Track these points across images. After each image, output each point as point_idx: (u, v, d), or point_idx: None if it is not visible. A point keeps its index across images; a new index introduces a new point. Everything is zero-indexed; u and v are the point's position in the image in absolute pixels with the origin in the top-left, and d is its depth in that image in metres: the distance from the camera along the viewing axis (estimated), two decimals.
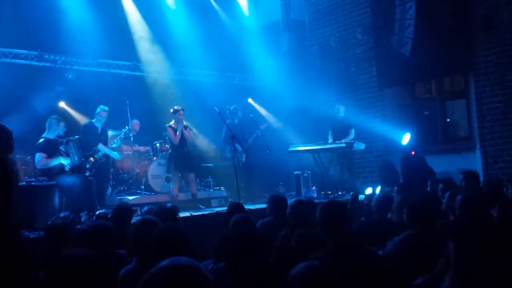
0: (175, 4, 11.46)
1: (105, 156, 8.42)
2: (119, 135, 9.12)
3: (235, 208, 5.29)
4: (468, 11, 9.40)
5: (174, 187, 8.91)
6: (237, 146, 9.21)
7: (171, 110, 8.94)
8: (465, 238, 2.50)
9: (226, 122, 9.08)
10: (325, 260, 2.63)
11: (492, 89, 9.20)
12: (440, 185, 5.88)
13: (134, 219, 5.66)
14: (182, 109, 8.86)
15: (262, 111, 12.09)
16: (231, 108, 10.18)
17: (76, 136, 7.78)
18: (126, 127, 9.20)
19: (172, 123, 8.90)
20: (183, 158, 8.84)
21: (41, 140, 7.30)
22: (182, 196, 9.27)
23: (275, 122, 11.80)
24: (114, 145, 8.91)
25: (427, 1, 9.97)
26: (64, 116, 8.47)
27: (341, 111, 10.21)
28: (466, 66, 9.59)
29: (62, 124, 7.56)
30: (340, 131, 10.07)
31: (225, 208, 7.85)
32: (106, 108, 8.45)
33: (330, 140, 10.05)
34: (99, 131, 8.40)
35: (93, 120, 8.40)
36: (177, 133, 8.72)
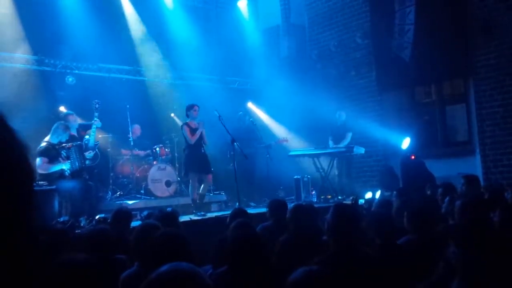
0: (175, 8, 11.49)
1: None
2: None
3: (238, 213, 5.28)
4: (467, 16, 9.42)
5: (193, 191, 8.59)
6: (237, 149, 9.11)
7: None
8: (469, 241, 2.50)
9: (235, 126, 8.99)
10: (325, 265, 2.63)
11: (492, 94, 9.21)
12: (440, 190, 5.90)
13: (134, 224, 5.67)
14: (197, 105, 8.66)
15: (262, 115, 12.11)
16: (239, 113, 10.55)
17: (79, 142, 7.76)
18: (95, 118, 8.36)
19: (189, 121, 8.64)
20: (200, 159, 8.57)
21: (43, 144, 7.26)
22: (183, 200, 9.25)
23: (278, 129, 11.85)
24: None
25: (426, 6, 10.00)
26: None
27: (342, 116, 10.28)
28: (466, 70, 9.60)
29: (68, 132, 7.55)
30: (339, 136, 10.12)
31: (225, 212, 7.88)
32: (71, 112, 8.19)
33: (331, 145, 10.09)
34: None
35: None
36: (197, 132, 8.46)
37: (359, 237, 3.17)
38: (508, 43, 8.94)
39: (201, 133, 8.54)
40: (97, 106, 8.43)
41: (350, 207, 3.43)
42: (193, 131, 8.53)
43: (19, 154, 1.02)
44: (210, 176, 8.77)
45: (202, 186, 8.72)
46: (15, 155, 1.01)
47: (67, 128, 7.56)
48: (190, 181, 8.71)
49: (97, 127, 8.42)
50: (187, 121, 8.68)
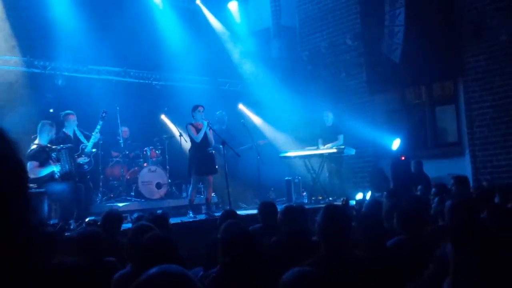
0: (165, 9, 11.46)
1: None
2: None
3: (228, 215, 5.27)
4: (457, 17, 9.49)
5: (192, 192, 8.47)
6: (228, 150, 9.04)
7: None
8: (461, 241, 2.51)
9: (214, 128, 8.79)
10: (317, 266, 2.63)
11: (481, 95, 9.28)
12: (433, 189, 5.93)
13: (124, 226, 5.64)
14: (202, 105, 8.49)
15: (253, 117, 12.10)
16: (217, 114, 10.23)
17: (69, 144, 7.67)
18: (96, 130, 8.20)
19: (194, 122, 8.45)
20: (205, 159, 8.39)
21: (34, 147, 7.11)
22: (174, 202, 9.20)
23: (266, 128, 11.83)
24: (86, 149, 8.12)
25: (416, 8, 10.04)
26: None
27: (330, 118, 10.23)
28: (456, 72, 9.66)
29: (54, 129, 7.44)
30: (329, 138, 10.04)
31: (216, 214, 7.87)
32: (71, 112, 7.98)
33: (320, 147, 10.07)
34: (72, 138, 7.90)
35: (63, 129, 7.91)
36: (201, 132, 8.28)
37: (349, 239, 3.17)
38: (498, 45, 9.01)
39: (206, 133, 8.38)
40: (104, 115, 8.26)
41: (340, 209, 3.43)
42: (198, 130, 8.38)
43: (14, 155, 1.03)
44: (211, 178, 8.60)
45: (207, 190, 8.60)
46: (10, 157, 1.01)
47: (52, 125, 7.40)
48: (192, 182, 8.55)
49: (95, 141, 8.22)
50: (192, 122, 8.49)
